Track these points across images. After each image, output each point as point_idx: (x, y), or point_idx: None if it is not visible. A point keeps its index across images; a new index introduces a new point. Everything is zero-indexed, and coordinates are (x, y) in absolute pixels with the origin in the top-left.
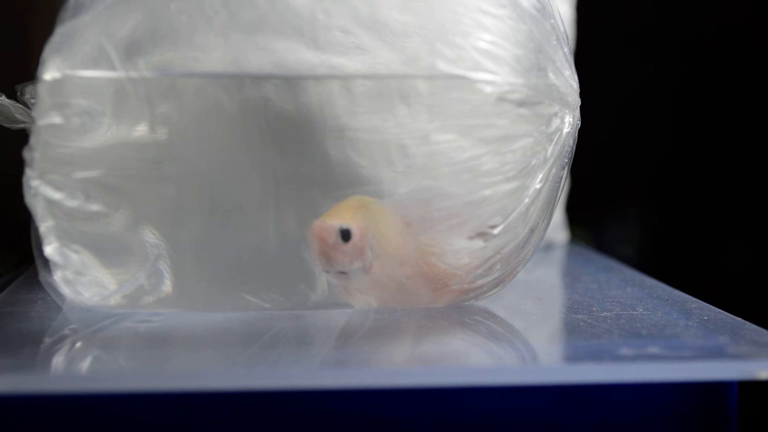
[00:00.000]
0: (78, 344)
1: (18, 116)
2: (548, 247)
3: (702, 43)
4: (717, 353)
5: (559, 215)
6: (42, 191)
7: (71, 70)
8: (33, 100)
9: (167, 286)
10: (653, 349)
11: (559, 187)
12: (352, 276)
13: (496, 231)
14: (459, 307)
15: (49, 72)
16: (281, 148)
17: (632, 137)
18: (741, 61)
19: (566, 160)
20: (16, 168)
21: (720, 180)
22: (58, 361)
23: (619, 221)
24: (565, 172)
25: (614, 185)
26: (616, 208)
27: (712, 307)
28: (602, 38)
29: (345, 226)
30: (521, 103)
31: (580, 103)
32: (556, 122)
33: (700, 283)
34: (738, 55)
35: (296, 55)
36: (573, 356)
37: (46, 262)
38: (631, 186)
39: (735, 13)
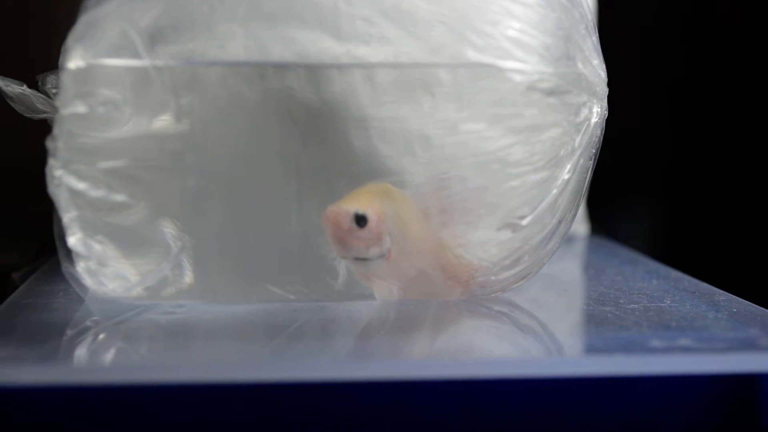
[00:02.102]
0: (101, 336)
1: (39, 106)
2: (569, 239)
3: (717, 39)
4: (748, 345)
5: (581, 208)
6: (66, 181)
7: (95, 58)
8: (54, 90)
9: (190, 277)
10: (684, 341)
11: (586, 177)
12: (370, 262)
13: (524, 222)
14: (484, 298)
15: (73, 61)
16: (304, 139)
17: (643, 131)
18: (758, 55)
19: (594, 150)
20: (36, 158)
21: (733, 172)
22: (81, 352)
23: (630, 215)
24: (593, 163)
25: (625, 179)
26: (628, 203)
27: (741, 300)
28: (619, 30)
29: (360, 211)
30: (550, 93)
31: (607, 92)
32: (584, 112)
33: (713, 276)
34: (755, 49)
35: (319, 45)
36: (602, 348)
37: (68, 252)
38: (643, 180)
39: (761, 7)
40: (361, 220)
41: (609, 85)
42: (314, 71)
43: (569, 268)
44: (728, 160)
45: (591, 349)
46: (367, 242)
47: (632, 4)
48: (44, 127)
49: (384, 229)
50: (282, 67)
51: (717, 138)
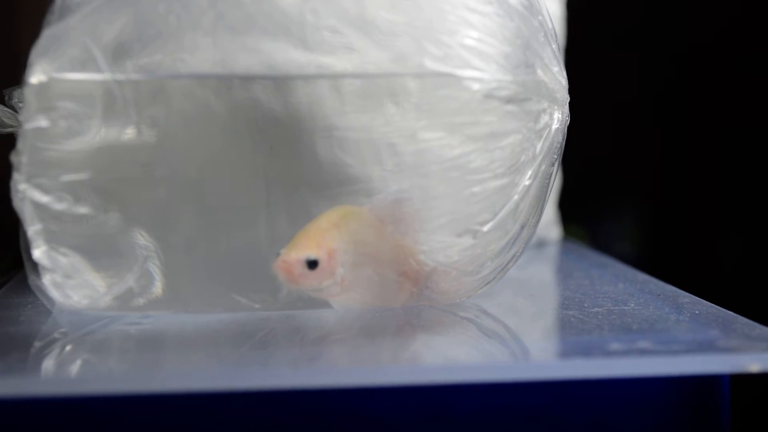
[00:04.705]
0: (68, 347)
1: (6, 120)
2: (541, 244)
3: (697, 39)
4: (708, 347)
5: (551, 212)
6: (29, 195)
7: (57, 73)
8: (21, 104)
9: (157, 287)
10: (644, 344)
11: (548, 183)
12: (324, 290)
13: (485, 228)
14: (450, 304)
15: (36, 75)
16: (270, 149)
17: (626, 133)
18: (734, 57)
19: (555, 156)
20: (5, 172)
21: (715, 175)
22: (49, 364)
23: (614, 218)
24: (555, 169)
25: (609, 182)
26: (612, 205)
27: (704, 302)
28: (594, 35)
29: (311, 257)
30: (509, 100)
31: (569, 99)
32: (544, 119)
33: (696, 278)
34: (731, 51)
35: (285, 55)
36: (564, 352)
37: (35, 265)
38: (627, 182)
39: (724, 11)
40: (312, 264)
41: (593, 88)
42: (280, 82)
43: (539, 273)
44: (712, 161)
45: (554, 353)
46: (320, 279)
47: (617, 8)
48: (13, 141)
49: (336, 263)
50: (247, 79)
51: (701, 139)
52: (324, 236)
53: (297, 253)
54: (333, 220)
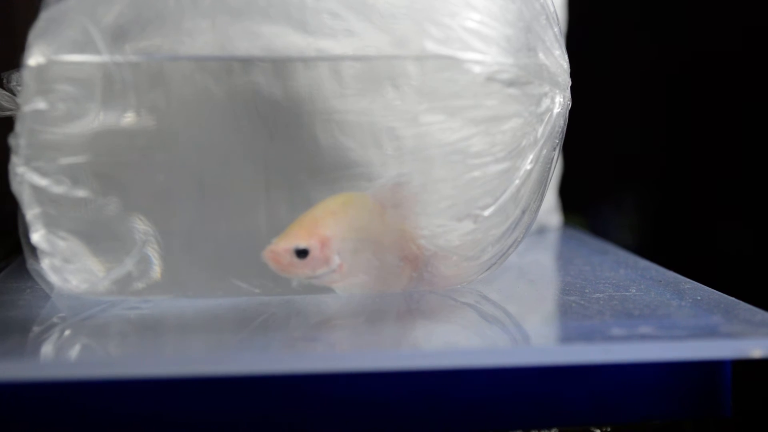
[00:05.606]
0: (67, 332)
1: (4, 104)
2: (541, 230)
3: (711, 35)
4: (710, 332)
5: (552, 199)
6: (28, 178)
7: (56, 55)
8: (20, 87)
9: (156, 272)
10: (645, 329)
11: (550, 168)
12: (321, 277)
13: (486, 213)
14: (451, 290)
15: (34, 57)
16: (270, 133)
17: (628, 121)
18: (740, 42)
19: (557, 140)
20: (3, 156)
21: (719, 164)
22: (47, 349)
23: (614, 207)
24: (557, 153)
25: (610, 170)
26: (612, 195)
27: (706, 287)
28: (597, 19)
29: (301, 246)
30: (510, 83)
31: (570, 83)
32: (546, 102)
33: (697, 268)
34: (737, 35)
35: (285, 39)
36: (565, 337)
37: (33, 249)
38: (627, 171)
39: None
40: (301, 254)
41: (600, 80)
42: (280, 65)
43: (540, 259)
44: (716, 150)
45: (554, 338)
46: (313, 267)
47: None
48: (12, 125)
49: (330, 252)
50: (246, 62)
51: (704, 127)
52: (317, 225)
53: (286, 242)
54: (331, 208)
